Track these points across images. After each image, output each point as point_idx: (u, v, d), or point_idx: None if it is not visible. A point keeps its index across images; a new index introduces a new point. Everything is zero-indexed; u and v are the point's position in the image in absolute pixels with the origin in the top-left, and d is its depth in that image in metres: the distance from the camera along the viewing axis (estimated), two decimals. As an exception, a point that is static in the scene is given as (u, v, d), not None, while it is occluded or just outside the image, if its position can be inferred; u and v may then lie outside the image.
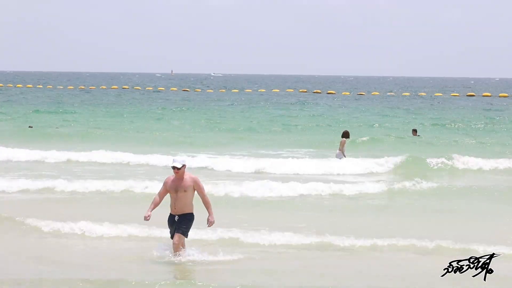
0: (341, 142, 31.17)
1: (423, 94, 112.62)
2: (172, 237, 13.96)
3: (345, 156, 30.95)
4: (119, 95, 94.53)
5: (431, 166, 29.72)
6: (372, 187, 23.45)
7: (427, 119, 58.48)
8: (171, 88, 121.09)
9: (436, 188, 23.58)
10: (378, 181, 24.95)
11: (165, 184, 13.93)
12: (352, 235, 15.97)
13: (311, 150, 36.60)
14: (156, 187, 20.66)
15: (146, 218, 13.80)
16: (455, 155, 30.41)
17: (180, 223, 13.75)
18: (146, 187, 22.60)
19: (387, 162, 30.00)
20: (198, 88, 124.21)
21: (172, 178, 13.85)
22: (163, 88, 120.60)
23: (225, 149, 35.97)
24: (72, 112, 61.31)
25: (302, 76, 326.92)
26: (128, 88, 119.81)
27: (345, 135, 31.13)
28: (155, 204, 13.88)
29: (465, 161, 30.06)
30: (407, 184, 23.88)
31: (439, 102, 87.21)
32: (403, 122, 55.49)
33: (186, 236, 13.89)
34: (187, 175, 13.83)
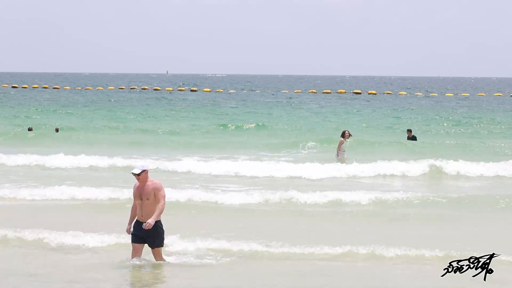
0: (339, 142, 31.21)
1: (419, 94, 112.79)
2: (133, 241, 13.65)
3: (337, 157, 30.93)
4: (113, 96, 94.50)
5: (416, 171, 28.38)
6: (354, 194, 22.01)
7: (422, 119, 58.48)
8: (166, 88, 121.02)
9: (415, 196, 22.15)
10: (363, 187, 24.10)
11: (133, 191, 13.77)
12: (328, 243, 15.43)
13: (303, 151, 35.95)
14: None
15: (128, 232, 13.68)
16: (444, 160, 29.02)
17: (152, 236, 13.50)
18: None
19: (370, 170, 28.19)
20: (195, 87, 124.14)
21: (137, 185, 13.63)
22: (159, 88, 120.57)
23: (220, 151, 35.41)
24: (69, 113, 61.21)
25: (299, 76, 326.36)
26: (124, 88, 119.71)
27: (342, 134, 31.18)
28: (134, 216, 13.73)
29: (456, 166, 28.60)
30: (390, 191, 23.04)
31: (435, 102, 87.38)
32: (398, 122, 55.41)
33: (162, 245, 13.76)
34: (150, 182, 13.54)
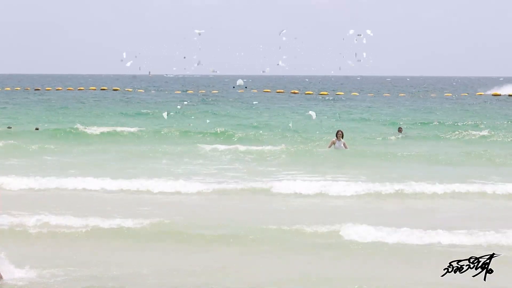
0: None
1: (402, 94, 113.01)
2: None
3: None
4: (99, 97, 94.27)
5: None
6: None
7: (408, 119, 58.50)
8: (152, 91, 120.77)
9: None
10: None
11: None
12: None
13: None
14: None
15: None
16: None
17: None
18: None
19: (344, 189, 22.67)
20: (178, 90, 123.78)
21: None
22: (142, 90, 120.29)
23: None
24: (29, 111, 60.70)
25: (297, 76, 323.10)
26: (106, 89, 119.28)
27: (336, 134, 31.07)
28: None
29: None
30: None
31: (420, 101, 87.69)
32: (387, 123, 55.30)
33: None
34: None
